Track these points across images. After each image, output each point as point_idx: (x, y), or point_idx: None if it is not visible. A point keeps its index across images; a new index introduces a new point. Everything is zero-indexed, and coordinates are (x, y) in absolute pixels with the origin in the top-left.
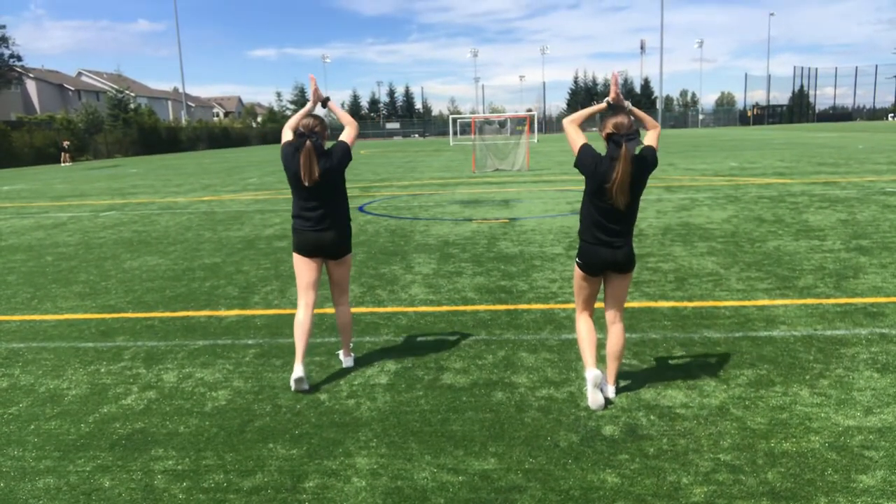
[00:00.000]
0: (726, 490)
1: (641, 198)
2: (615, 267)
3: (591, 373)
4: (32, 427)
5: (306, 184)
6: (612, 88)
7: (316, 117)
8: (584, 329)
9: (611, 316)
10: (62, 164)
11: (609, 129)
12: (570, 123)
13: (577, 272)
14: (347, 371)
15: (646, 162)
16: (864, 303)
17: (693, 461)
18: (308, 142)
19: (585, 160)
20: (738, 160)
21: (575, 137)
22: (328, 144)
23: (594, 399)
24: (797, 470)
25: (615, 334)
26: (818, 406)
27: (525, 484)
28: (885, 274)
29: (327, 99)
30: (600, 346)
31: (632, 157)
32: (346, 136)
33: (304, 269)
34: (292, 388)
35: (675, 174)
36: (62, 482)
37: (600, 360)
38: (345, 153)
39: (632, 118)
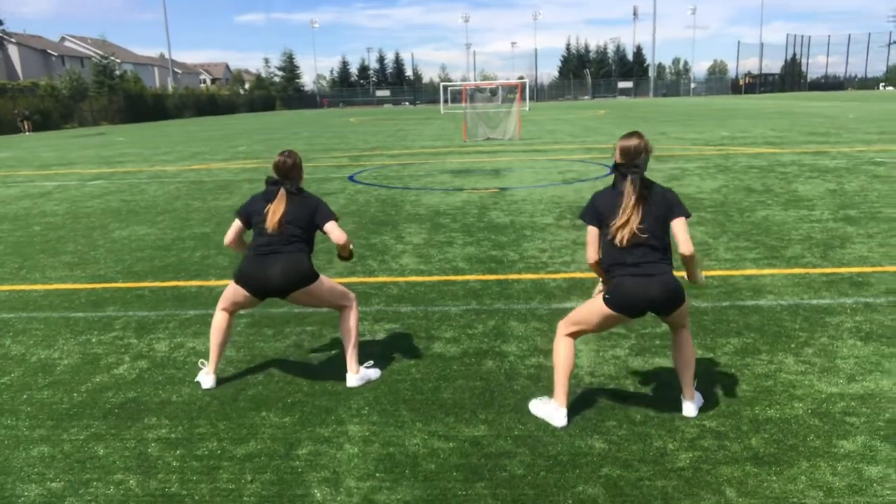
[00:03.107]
0: (711, 455)
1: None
2: (652, 308)
3: (561, 414)
4: (25, 396)
5: (269, 229)
6: None
7: (291, 154)
8: (566, 351)
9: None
10: (25, 133)
11: (617, 156)
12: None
13: (601, 306)
14: (339, 340)
15: (666, 203)
16: (850, 272)
17: (679, 427)
18: (282, 190)
19: (590, 207)
20: (729, 129)
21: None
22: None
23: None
24: (780, 436)
25: (684, 340)
26: (802, 374)
27: (514, 450)
28: (872, 244)
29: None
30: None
31: (640, 195)
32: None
33: (235, 294)
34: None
35: (666, 143)
36: (56, 450)
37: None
38: (318, 213)
39: (643, 140)
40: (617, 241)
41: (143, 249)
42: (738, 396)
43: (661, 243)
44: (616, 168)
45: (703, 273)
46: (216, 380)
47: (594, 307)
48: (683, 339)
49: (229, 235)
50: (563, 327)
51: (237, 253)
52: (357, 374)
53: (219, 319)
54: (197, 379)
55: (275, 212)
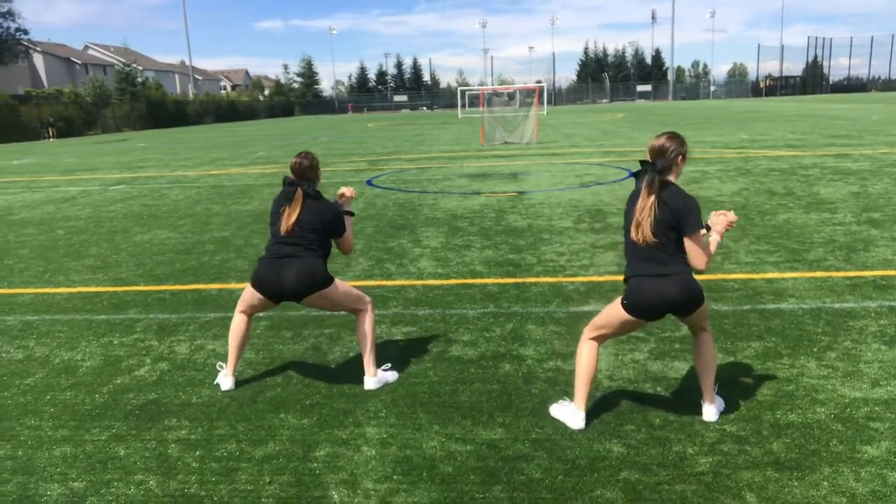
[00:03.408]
0: (731, 460)
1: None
2: (669, 309)
3: (579, 417)
4: (48, 397)
5: (283, 232)
6: None
7: (307, 155)
8: (589, 355)
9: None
10: (49, 140)
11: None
12: None
13: (620, 310)
14: (357, 343)
15: (672, 211)
16: (873, 276)
17: (699, 432)
18: (299, 190)
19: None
20: (749, 132)
21: None
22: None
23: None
24: (802, 441)
25: (704, 344)
26: (825, 378)
27: (532, 453)
28: None
29: (351, 213)
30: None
31: (652, 194)
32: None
33: (252, 297)
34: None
35: None
36: (79, 451)
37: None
38: (335, 220)
39: (669, 138)
40: (633, 238)
41: (164, 253)
42: (760, 401)
43: (673, 246)
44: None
45: (721, 225)
46: (235, 381)
47: (613, 311)
48: (704, 342)
49: None
50: (587, 332)
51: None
52: (375, 377)
53: (237, 322)
54: (216, 381)
55: (289, 215)
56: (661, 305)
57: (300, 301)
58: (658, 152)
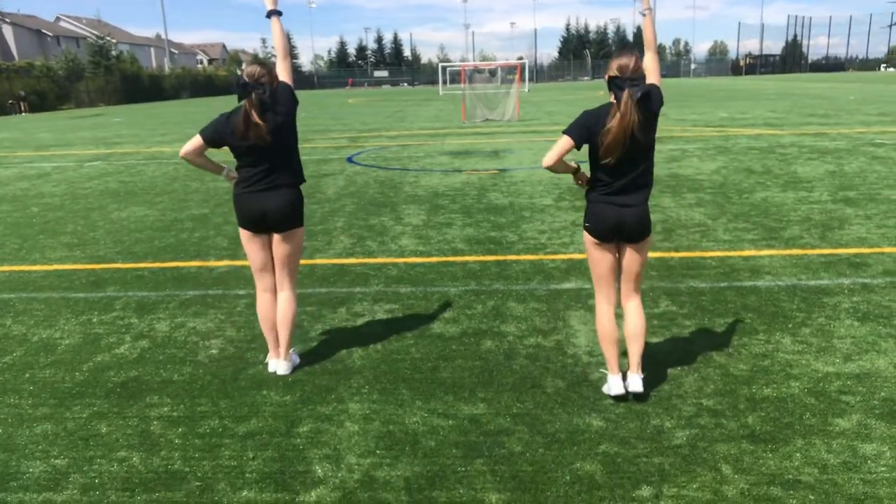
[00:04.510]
0: (708, 433)
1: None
2: (622, 233)
3: (615, 381)
4: (27, 375)
5: (252, 141)
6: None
7: (262, 64)
8: (604, 322)
9: (624, 291)
10: (21, 114)
11: (612, 70)
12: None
13: (588, 240)
14: (339, 320)
15: (650, 102)
16: (848, 253)
17: (676, 406)
18: (254, 95)
19: (578, 124)
20: (729, 111)
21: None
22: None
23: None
24: (776, 414)
25: (632, 312)
26: (799, 353)
27: (513, 427)
28: (870, 225)
29: (279, 13)
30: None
31: (635, 104)
32: (284, 74)
33: (252, 247)
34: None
35: (666, 125)
36: (60, 428)
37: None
38: (291, 99)
39: (638, 59)
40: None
41: (142, 230)
42: (736, 375)
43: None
44: (612, 82)
45: None
46: (287, 363)
47: (587, 249)
48: (638, 308)
49: (187, 147)
50: (595, 297)
51: (195, 165)
52: (289, 362)
53: (261, 305)
54: (270, 369)
55: (255, 128)
56: (615, 229)
57: (275, 232)
58: (634, 69)
